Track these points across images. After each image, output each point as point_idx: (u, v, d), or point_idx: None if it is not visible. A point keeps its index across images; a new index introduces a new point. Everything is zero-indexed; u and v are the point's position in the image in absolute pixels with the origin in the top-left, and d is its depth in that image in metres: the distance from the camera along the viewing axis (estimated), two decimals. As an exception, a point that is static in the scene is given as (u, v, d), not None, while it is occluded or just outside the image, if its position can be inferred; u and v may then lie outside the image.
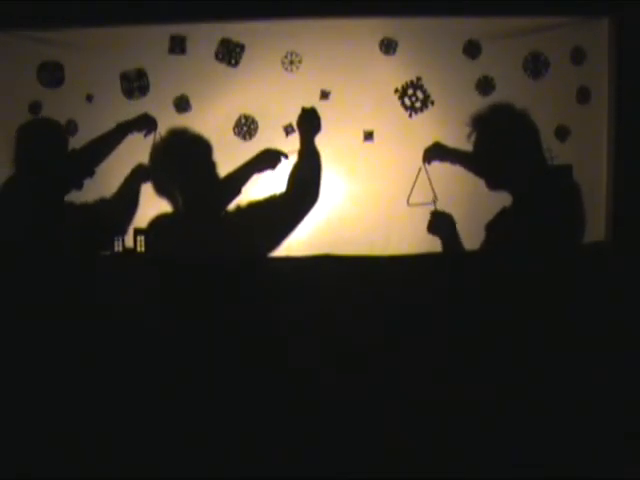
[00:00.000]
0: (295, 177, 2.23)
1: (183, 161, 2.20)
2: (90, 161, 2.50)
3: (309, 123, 2.30)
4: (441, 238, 2.16)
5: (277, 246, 2.26)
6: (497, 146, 2.09)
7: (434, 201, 2.31)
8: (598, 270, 2.80)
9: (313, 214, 2.33)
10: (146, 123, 2.60)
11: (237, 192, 2.27)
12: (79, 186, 2.45)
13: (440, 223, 2.17)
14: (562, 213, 2.04)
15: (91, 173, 2.48)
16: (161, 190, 2.27)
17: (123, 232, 2.62)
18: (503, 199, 2.14)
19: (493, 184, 2.16)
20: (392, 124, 2.96)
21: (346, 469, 2.52)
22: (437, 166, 2.56)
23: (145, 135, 2.59)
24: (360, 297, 2.89)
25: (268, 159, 2.37)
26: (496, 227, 2.12)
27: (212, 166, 2.25)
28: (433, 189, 2.39)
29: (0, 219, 2.32)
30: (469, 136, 2.15)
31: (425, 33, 2.94)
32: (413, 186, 2.48)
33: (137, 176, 2.55)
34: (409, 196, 2.47)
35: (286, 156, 2.37)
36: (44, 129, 2.43)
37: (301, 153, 2.27)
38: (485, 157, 2.14)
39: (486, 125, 2.12)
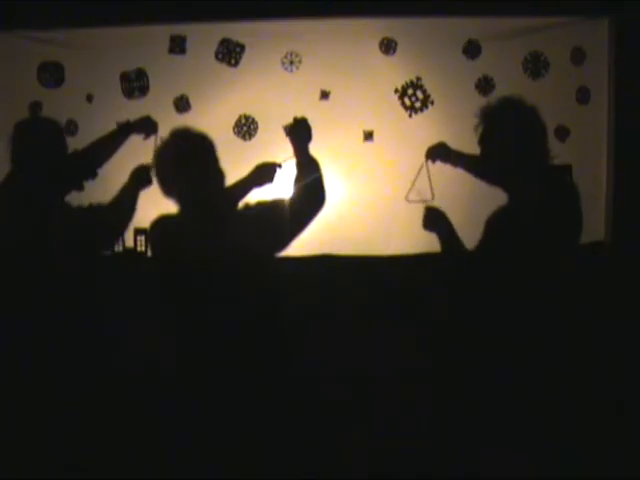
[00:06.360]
0: (298, 186, 2.22)
1: (186, 160, 2.20)
2: (92, 162, 2.48)
3: (302, 132, 2.27)
4: (438, 234, 2.17)
5: (280, 250, 2.26)
6: (502, 143, 2.08)
7: (432, 200, 2.31)
8: (597, 270, 2.81)
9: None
10: (147, 126, 2.59)
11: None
12: (80, 187, 2.43)
13: (434, 219, 2.18)
14: (561, 213, 2.04)
15: (93, 175, 2.46)
16: (165, 190, 2.26)
17: (123, 232, 2.61)
18: (503, 201, 2.14)
19: (494, 181, 2.16)
20: (392, 124, 2.96)
21: (346, 469, 2.53)
22: (439, 166, 2.56)
23: (145, 138, 2.59)
24: (360, 297, 2.90)
25: (264, 173, 2.36)
26: (495, 226, 2.11)
27: (215, 165, 2.24)
28: (432, 188, 2.40)
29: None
30: (476, 128, 2.14)
31: (425, 33, 2.95)
32: (413, 183, 2.48)
33: (136, 181, 2.53)
34: (408, 192, 2.48)
35: (279, 165, 2.36)
36: (43, 128, 2.38)
37: (299, 164, 2.25)
38: (488, 153, 2.13)
39: (493, 121, 2.11)
